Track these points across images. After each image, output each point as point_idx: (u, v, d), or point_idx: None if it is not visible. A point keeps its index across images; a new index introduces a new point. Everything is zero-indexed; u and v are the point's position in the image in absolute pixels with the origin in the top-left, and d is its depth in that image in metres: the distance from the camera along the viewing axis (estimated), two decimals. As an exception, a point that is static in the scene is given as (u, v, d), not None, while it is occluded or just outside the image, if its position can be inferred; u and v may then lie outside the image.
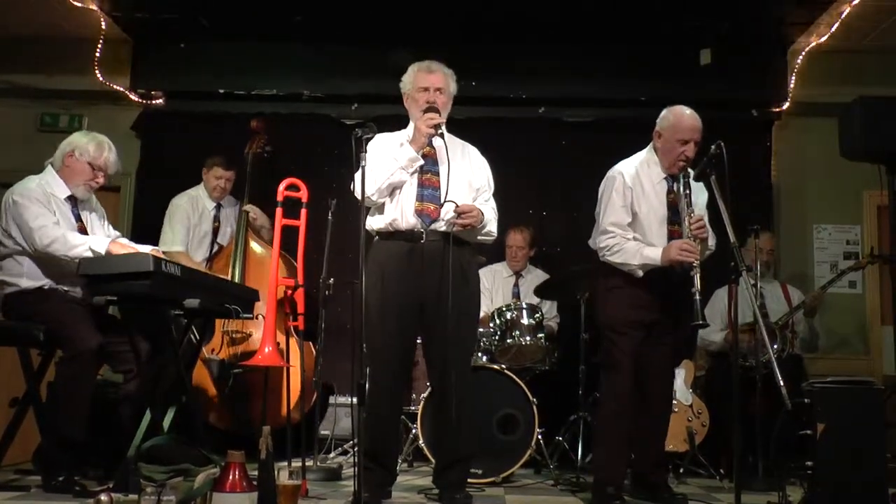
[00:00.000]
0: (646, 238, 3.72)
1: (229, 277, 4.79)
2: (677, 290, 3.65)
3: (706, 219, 3.74)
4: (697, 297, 3.49)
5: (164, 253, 4.17)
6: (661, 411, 3.92)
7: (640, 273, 3.66)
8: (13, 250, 3.73)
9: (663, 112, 3.83)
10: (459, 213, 3.47)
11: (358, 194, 3.38)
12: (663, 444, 3.91)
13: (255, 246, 5.03)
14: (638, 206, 3.74)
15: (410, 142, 3.54)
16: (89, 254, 3.60)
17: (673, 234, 3.71)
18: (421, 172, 3.56)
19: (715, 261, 3.76)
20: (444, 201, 3.49)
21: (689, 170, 3.69)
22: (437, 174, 3.57)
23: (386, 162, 3.49)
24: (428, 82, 3.62)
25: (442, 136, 3.51)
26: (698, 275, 3.52)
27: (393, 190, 3.54)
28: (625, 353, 3.67)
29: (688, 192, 3.68)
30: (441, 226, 3.52)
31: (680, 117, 3.74)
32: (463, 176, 3.61)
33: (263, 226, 5.09)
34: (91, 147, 3.86)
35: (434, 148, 3.60)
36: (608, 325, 3.75)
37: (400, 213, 3.53)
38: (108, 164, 3.90)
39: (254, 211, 5.07)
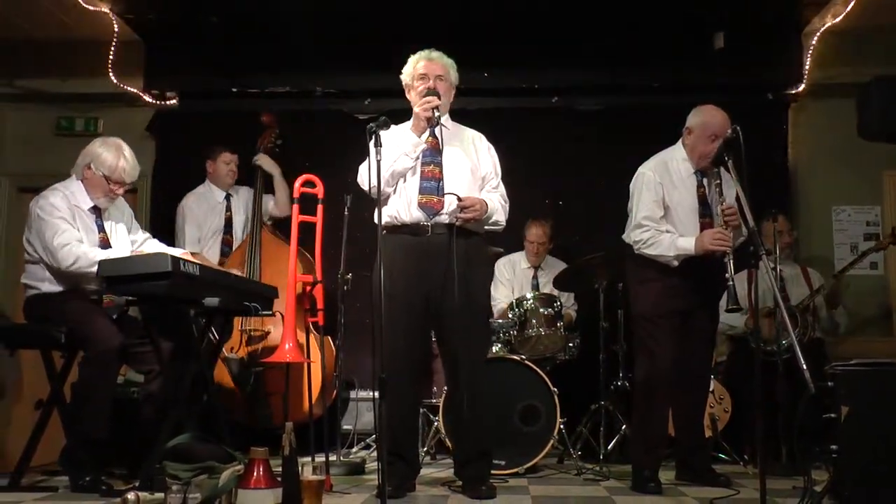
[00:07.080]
0: (678, 230, 3.80)
1: (245, 275, 4.80)
2: (712, 277, 3.73)
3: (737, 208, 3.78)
4: (732, 282, 3.57)
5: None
6: (698, 397, 4.02)
7: (676, 263, 3.75)
8: (37, 259, 3.77)
9: (693, 110, 3.89)
10: (462, 206, 3.46)
11: (364, 185, 3.39)
12: (702, 428, 4.05)
13: (271, 243, 5.04)
14: (669, 200, 3.83)
15: (411, 127, 3.55)
16: None
17: (704, 226, 3.81)
18: (423, 164, 3.56)
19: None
20: (446, 193, 3.48)
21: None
22: (440, 165, 3.56)
23: (391, 152, 3.47)
24: (428, 70, 3.61)
25: (439, 121, 3.51)
26: (731, 261, 3.60)
27: (397, 182, 3.54)
28: (659, 342, 3.77)
29: (718, 181, 3.75)
30: (445, 218, 3.51)
31: (712, 114, 3.83)
32: (464, 165, 3.60)
33: (272, 169, 5.21)
34: (107, 160, 3.84)
35: (437, 138, 3.59)
36: (643, 315, 3.85)
37: (405, 206, 3.53)
38: (125, 175, 3.88)
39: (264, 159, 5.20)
